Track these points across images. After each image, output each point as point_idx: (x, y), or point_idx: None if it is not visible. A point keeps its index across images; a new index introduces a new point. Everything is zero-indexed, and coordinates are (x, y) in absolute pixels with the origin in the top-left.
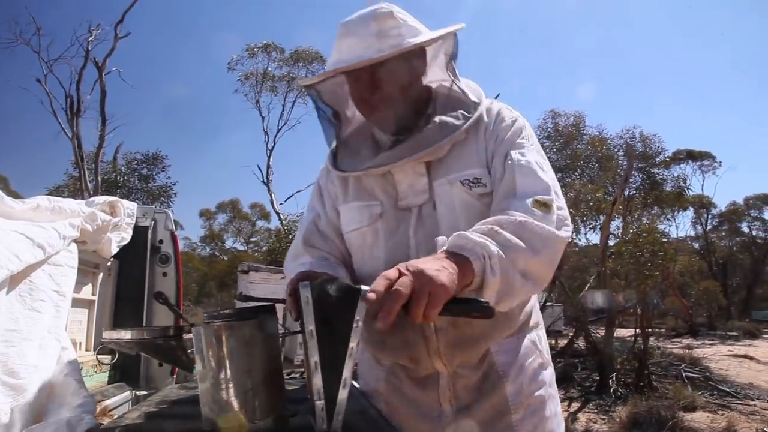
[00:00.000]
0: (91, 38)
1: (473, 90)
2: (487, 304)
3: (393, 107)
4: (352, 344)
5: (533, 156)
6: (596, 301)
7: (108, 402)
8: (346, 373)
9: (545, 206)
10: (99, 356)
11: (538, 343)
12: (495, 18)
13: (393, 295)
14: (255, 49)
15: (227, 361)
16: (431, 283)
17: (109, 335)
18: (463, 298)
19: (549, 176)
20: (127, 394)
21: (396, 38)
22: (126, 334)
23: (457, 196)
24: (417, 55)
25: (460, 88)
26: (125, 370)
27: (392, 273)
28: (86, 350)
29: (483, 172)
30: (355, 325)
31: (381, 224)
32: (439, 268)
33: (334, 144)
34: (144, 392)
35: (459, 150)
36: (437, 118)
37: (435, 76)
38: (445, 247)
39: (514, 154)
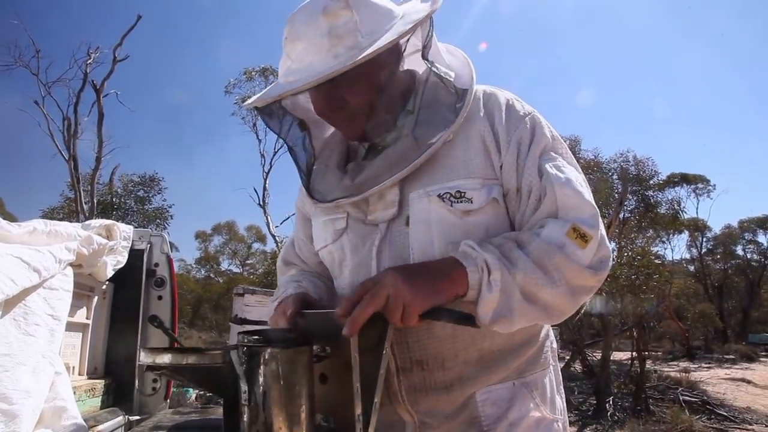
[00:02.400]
0: (89, 61)
1: (461, 68)
2: (467, 314)
3: (363, 118)
4: (382, 371)
5: (572, 171)
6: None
7: (101, 427)
8: (377, 398)
9: (582, 239)
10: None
11: (543, 391)
12: (494, 21)
13: (363, 304)
14: (252, 73)
15: (293, 386)
16: (406, 293)
17: (146, 357)
18: (447, 309)
19: (590, 195)
20: (120, 419)
21: (351, 36)
22: (165, 358)
23: (434, 212)
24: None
25: (441, 78)
26: (118, 395)
27: (369, 281)
28: (79, 374)
29: (470, 184)
30: (384, 351)
31: (346, 240)
32: (422, 276)
33: (303, 167)
34: (137, 417)
35: (442, 154)
36: (415, 125)
37: (417, 60)
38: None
39: (549, 167)
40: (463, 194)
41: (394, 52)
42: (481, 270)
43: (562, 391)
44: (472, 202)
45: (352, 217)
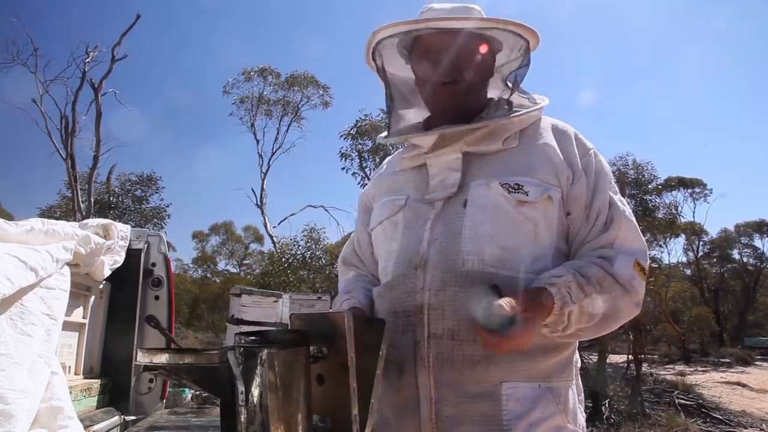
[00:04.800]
0: (88, 60)
1: (538, 98)
2: None
3: (459, 92)
4: (378, 371)
5: (629, 207)
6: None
7: (96, 427)
8: (374, 398)
9: (643, 272)
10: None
11: (566, 400)
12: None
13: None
14: (251, 73)
15: (290, 387)
16: (522, 342)
17: (143, 357)
18: None
19: None
20: (115, 419)
21: (480, 15)
22: (162, 358)
23: (491, 198)
24: (491, 55)
25: (520, 94)
26: (115, 395)
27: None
28: (76, 374)
29: (529, 181)
30: (381, 353)
31: (401, 216)
32: (532, 328)
33: (391, 105)
34: (133, 417)
35: (505, 156)
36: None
37: (492, 92)
38: (549, 279)
39: (618, 201)
40: (520, 187)
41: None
42: (566, 321)
43: (583, 409)
44: (527, 195)
45: (412, 198)
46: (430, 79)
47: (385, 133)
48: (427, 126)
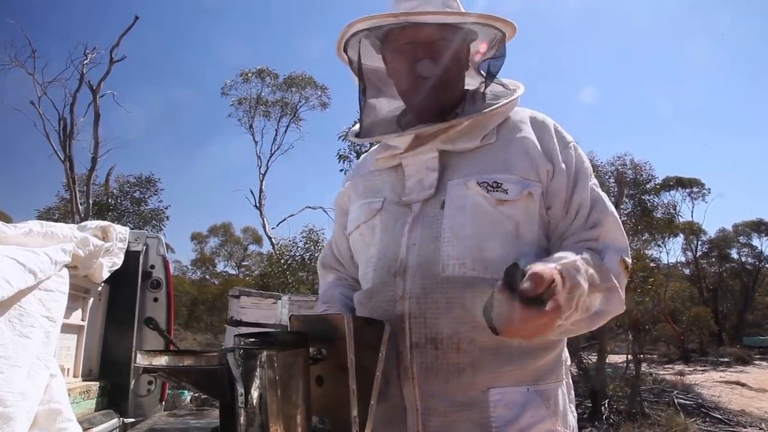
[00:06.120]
0: (86, 61)
1: (511, 84)
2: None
3: (437, 86)
4: (378, 373)
5: (610, 201)
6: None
7: (95, 430)
8: (373, 400)
9: (626, 270)
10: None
11: (555, 402)
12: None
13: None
14: (249, 75)
15: (289, 389)
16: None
17: (142, 359)
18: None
19: None
20: (114, 421)
21: (458, 5)
22: (162, 360)
23: (470, 198)
24: (467, 47)
25: (498, 84)
26: (113, 397)
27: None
28: (74, 376)
29: (508, 178)
30: (380, 354)
31: (379, 220)
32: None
33: (362, 105)
34: (132, 419)
35: (482, 152)
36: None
37: (467, 83)
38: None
39: (599, 193)
40: (499, 185)
41: (467, 58)
42: (573, 306)
43: (575, 410)
44: (507, 193)
45: (388, 200)
46: (407, 72)
47: (356, 128)
48: (400, 121)
